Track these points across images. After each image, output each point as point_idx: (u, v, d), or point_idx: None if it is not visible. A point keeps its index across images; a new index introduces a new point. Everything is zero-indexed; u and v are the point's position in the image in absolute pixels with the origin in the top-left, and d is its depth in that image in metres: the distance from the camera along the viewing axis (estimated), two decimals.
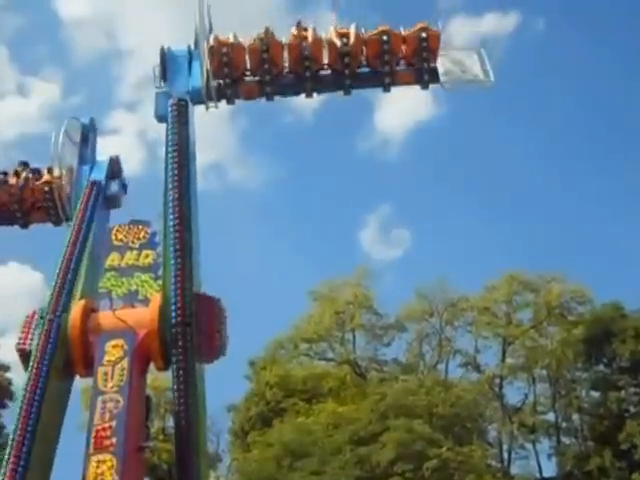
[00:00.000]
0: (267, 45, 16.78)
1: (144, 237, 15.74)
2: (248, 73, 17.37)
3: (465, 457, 42.07)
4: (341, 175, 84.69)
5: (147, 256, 15.48)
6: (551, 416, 52.08)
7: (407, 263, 77.56)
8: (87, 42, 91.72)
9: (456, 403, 46.12)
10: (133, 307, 14.88)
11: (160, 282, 15.00)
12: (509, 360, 53.30)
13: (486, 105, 78.49)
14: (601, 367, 49.39)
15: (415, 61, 17.33)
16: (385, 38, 16.83)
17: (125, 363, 13.89)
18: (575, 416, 51.38)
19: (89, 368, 14.18)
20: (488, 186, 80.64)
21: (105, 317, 14.70)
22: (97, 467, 12.62)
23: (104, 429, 13.05)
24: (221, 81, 17.13)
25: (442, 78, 17.14)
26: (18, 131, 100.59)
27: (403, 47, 17.31)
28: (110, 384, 13.61)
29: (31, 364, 14.04)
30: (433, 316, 54.28)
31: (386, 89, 17.54)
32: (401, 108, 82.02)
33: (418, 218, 77.82)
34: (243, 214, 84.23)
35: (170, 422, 54.10)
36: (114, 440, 12.86)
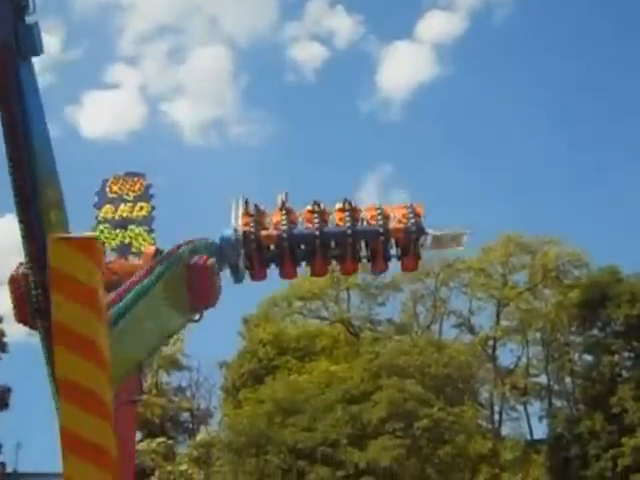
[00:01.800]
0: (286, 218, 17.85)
1: (139, 189, 15.58)
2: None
3: (456, 417, 42.18)
4: (341, 134, 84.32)
5: (141, 208, 15.36)
6: (543, 379, 52.24)
7: None
8: None
9: (449, 364, 46.09)
10: (126, 259, 14.75)
11: (154, 235, 14.82)
12: (503, 322, 53.28)
13: (490, 66, 78.11)
14: (595, 331, 49.24)
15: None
16: (379, 210, 18.13)
17: None
18: (567, 379, 51.52)
19: None
20: (489, 147, 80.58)
21: None
22: None
23: None
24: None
25: (428, 239, 18.32)
26: None
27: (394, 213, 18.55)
28: None
29: None
30: (428, 277, 54.06)
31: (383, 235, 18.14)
32: (404, 68, 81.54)
33: (418, 179, 77.63)
34: (243, 171, 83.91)
35: (163, 377, 54.33)
36: None
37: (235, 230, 17.13)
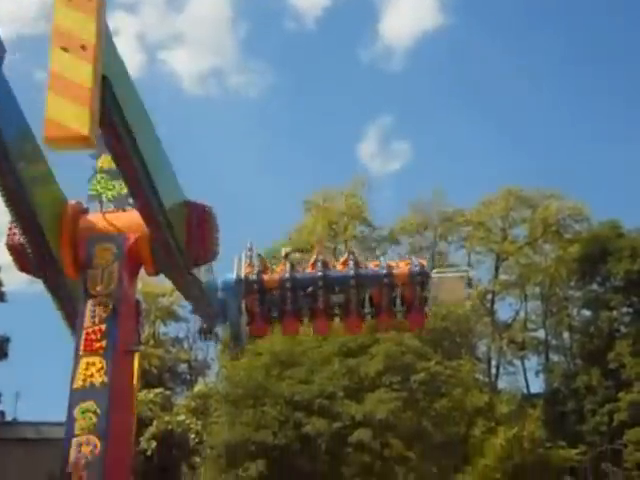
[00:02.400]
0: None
1: None
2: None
3: (453, 371, 42.13)
4: (342, 84, 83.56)
5: None
6: (541, 333, 52.36)
7: (406, 176, 77.16)
8: None
9: (446, 317, 45.92)
10: (124, 211, 14.43)
11: None
12: (502, 276, 53.22)
13: (494, 15, 77.07)
14: (594, 286, 49.24)
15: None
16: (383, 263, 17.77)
17: (115, 267, 13.81)
18: (565, 334, 51.65)
19: (79, 271, 14.00)
20: (491, 99, 79.86)
21: (95, 220, 14.44)
22: (86, 369, 12.59)
23: (94, 332, 13.07)
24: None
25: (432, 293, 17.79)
26: (16, 31, 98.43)
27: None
28: (100, 287, 13.56)
29: None
30: (427, 230, 53.86)
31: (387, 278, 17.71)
32: (406, 17, 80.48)
33: (419, 130, 77.13)
34: (242, 121, 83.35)
35: (161, 328, 54.37)
36: (104, 343, 12.78)
37: (237, 275, 17.09)
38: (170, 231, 13.35)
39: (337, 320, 17.56)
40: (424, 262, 17.72)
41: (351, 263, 17.36)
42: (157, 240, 13.57)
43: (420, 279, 17.19)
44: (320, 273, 17.04)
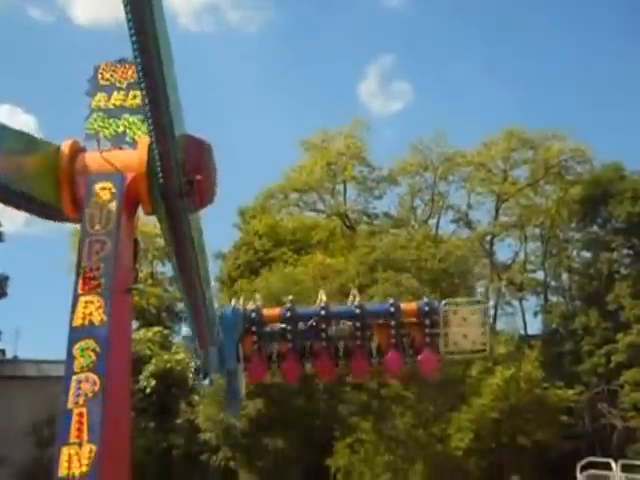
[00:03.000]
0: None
1: (131, 76, 15.09)
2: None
3: None
4: (342, 22, 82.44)
5: (135, 97, 14.89)
6: (540, 275, 52.34)
7: (407, 117, 76.57)
8: None
9: (445, 258, 45.80)
10: (121, 149, 14.30)
11: None
12: (502, 218, 53.06)
13: None
14: (595, 228, 49.05)
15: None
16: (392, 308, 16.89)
17: (113, 206, 13.80)
18: (564, 275, 51.62)
19: (77, 210, 13.95)
20: (493, 39, 78.81)
21: (93, 159, 14.45)
22: (85, 307, 12.62)
23: (92, 270, 13.00)
24: None
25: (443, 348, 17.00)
26: None
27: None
28: (98, 226, 13.56)
29: None
30: (427, 170, 53.46)
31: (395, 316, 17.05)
32: None
33: (421, 70, 76.29)
34: (239, 58, 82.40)
35: (159, 267, 54.32)
36: (102, 281, 12.76)
37: (237, 308, 16.91)
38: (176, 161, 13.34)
39: (342, 363, 17.01)
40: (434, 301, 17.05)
41: (355, 299, 17.02)
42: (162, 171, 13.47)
43: (430, 316, 16.55)
44: (322, 305, 16.78)
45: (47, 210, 14.42)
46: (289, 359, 16.72)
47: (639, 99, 70.01)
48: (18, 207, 14.61)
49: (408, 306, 16.85)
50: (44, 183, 13.98)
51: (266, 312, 16.92)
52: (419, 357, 16.74)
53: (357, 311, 16.69)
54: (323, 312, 16.64)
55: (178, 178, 13.37)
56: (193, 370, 17.34)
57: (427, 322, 16.58)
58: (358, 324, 16.70)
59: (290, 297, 18.19)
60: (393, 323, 16.61)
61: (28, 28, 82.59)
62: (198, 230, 14.82)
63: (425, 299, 16.96)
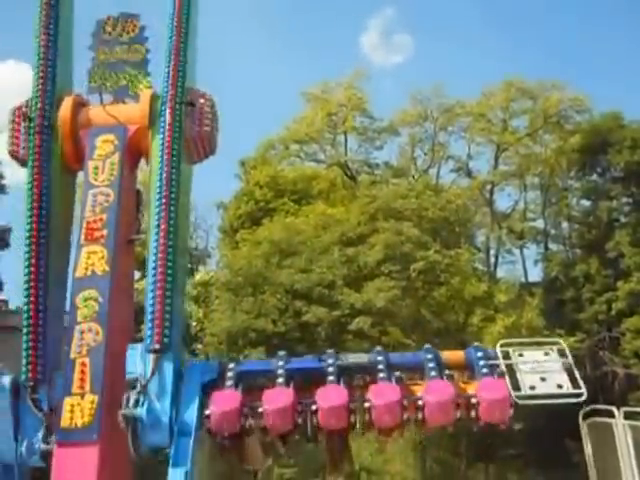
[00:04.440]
0: None
1: (133, 31, 15.47)
2: None
3: (452, 260, 42.32)
4: None
5: (137, 51, 15.21)
6: (540, 223, 52.59)
7: (408, 69, 76.34)
8: None
9: (446, 207, 45.93)
10: (123, 103, 14.67)
11: (150, 78, 14.79)
12: (501, 167, 53.18)
13: None
14: (594, 177, 49.18)
15: None
16: None
17: (116, 158, 14.27)
18: (564, 224, 51.84)
19: (80, 162, 14.37)
20: None
21: (95, 112, 14.88)
22: (88, 258, 12.95)
23: (95, 221, 13.45)
24: None
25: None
26: None
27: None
28: (101, 178, 14.01)
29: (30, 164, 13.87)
30: (427, 121, 53.50)
31: None
32: None
33: (421, 23, 75.88)
34: (241, 12, 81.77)
35: None
36: (105, 232, 13.12)
37: None
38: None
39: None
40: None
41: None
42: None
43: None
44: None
45: None
46: None
47: (637, 48, 69.50)
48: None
49: (453, 355, 12.96)
50: None
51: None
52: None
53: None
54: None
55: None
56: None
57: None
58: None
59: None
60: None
61: None
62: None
63: (474, 345, 12.99)
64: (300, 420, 11.66)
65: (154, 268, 12.54)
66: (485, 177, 52.71)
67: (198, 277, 48.09)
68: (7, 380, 12.73)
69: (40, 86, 14.16)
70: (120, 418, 11.34)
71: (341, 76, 53.93)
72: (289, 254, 41.43)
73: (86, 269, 12.81)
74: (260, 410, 11.51)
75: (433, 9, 79.76)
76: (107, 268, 12.74)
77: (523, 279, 51.32)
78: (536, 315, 41.61)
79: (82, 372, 12.24)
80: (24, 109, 14.30)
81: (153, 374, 11.82)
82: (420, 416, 11.74)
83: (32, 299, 12.84)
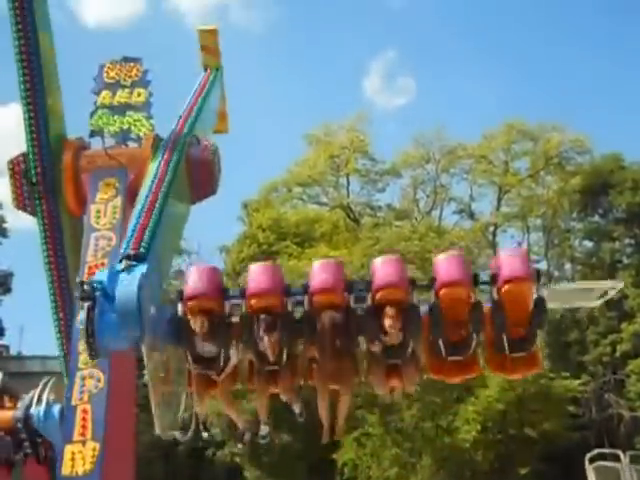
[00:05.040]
0: None
1: (136, 75, 15.62)
2: None
3: None
4: (346, 18, 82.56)
5: (139, 94, 15.48)
6: (543, 264, 52.34)
7: (410, 111, 76.85)
8: None
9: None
10: (126, 145, 14.89)
11: (152, 121, 14.79)
12: (504, 208, 53.24)
13: None
14: (596, 218, 49.36)
15: None
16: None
17: (118, 201, 14.24)
18: (567, 265, 51.81)
19: (82, 206, 14.33)
20: (493, 33, 78.97)
21: (97, 155, 14.80)
22: None
23: (97, 266, 13.46)
24: None
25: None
26: None
27: None
28: (103, 221, 13.95)
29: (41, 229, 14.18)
30: (429, 163, 53.77)
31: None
32: None
33: (424, 66, 76.51)
34: (245, 56, 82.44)
35: None
36: None
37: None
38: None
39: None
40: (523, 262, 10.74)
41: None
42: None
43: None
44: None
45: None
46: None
47: (636, 90, 69.97)
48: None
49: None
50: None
51: None
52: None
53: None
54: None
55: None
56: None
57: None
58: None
59: None
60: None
61: None
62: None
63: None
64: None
65: None
66: (488, 219, 52.79)
67: None
68: (57, 408, 12.71)
69: (35, 142, 14.21)
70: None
71: (343, 119, 54.33)
72: None
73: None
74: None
75: (434, 51, 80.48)
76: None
77: None
78: (540, 358, 41.33)
79: (83, 419, 12.15)
80: (22, 165, 14.24)
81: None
82: None
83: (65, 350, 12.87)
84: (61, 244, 13.88)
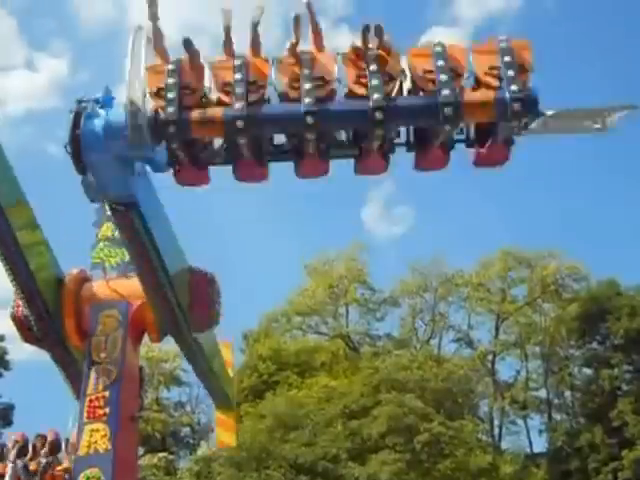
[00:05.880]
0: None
1: None
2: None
3: (456, 431, 42.20)
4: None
5: None
6: (543, 392, 52.24)
7: (409, 240, 77.61)
8: (96, 15, 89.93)
9: (448, 378, 46.19)
10: (127, 278, 14.81)
11: None
12: (502, 336, 53.36)
13: None
14: (594, 345, 49.41)
15: (491, 79, 10.13)
16: (438, 49, 10.13)
17: (119, 334, 13.94)
18: (567, 393, 51.58)
19: (83, 338, 14.15)
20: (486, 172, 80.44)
21: (99, 287, 14.67)
22: (90, 436, 12.82)
23: (97, 399, 13.26)
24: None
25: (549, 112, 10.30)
26: (26, 106, 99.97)
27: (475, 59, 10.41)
28: (104, 354, 13.70)
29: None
30: (427, 291, 54.28)
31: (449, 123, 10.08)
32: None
33: (421, 196, 77.65)
34: (245, 188, 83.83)
35: (164, 393, 54.30)
36: (107, 410, 13.03)
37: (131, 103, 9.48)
38: (175, 298, 13.62)
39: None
40: (527, 54, 10.11)
41: (371, 72, 9.83)
42: (161, 307, 13.80)
43: (520, 117, 9.84)
44: (310, 109, 9.68)
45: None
46: (244, 160, 10.45)
47: (631, 216, 71.02)
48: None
49: (480, 98, 9.95)
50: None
51: (195, 117, 9.68)
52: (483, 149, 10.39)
53: (377, 117, 9.82)
54: (310, 121, 9.80)
55: (180, 312, 13.79)
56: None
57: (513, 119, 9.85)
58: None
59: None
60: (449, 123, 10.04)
61: (45, 164, 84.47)
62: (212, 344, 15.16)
63: (515, 87, 9.76)
64: None
65: None
66: (486, 347, 52.90)
67: (200, 453, 47.66)
68: None
69: (25, 294, 13.67)
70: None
71: (342, 247, 55.18)
72: (293, 427, 41.37)
73: (88, 447, 12.75)
74: None
75: (430, 182, 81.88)
76: (109, 446, 12.69)
77: (528, 450, 50.69)
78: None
79: None
80: (22, 311, 14.27)
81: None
82: None
83: None
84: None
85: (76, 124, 9.53)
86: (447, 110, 9.71)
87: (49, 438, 14.79)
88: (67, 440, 14.68)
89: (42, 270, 13.79)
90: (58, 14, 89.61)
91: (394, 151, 10.95)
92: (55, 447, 14.62)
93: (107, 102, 9.89)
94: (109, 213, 15.31)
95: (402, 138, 11.02)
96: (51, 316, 14.03)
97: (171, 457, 45.52)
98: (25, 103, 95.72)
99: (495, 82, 9.99)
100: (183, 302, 13.86)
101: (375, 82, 9.86)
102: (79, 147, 9.50)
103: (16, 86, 78.43)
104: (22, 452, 14.66)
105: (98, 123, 9.54)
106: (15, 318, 14.55)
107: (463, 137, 10.89)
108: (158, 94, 9.80)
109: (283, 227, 79.61)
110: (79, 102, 9.70)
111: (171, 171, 10.73)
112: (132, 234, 11.96)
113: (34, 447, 14.88)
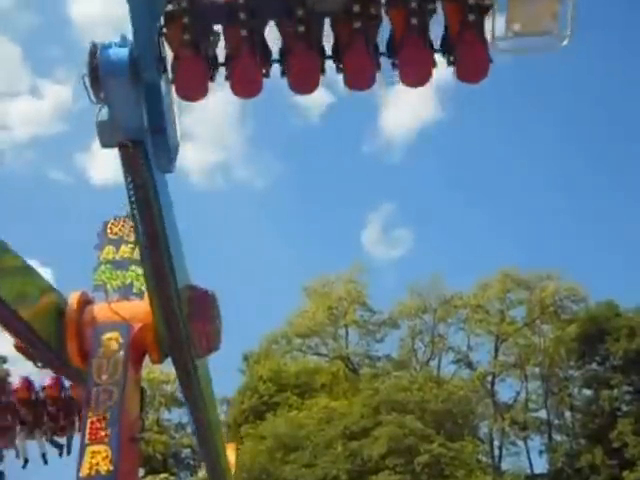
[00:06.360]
0: None
1: None
2: None
3: (456, 452, 42.25)
4: (345, 176, 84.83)
5: None
6: (543, 413, 52.32)
7: (408, 263, 77.82)
8: (99, 42, 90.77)
9: (448, 399, 46.28)
10: (128, 300, 14.80)
11: None
12: (502, 357, 53.46)
13: (488, 107, 78.86)
14: (594, 365, 49.56)
15: None
16: None
17: (120, 356, 13.89)
18: (567, 414, 51.66)
19: (84, 360, 14.25)
20: (487, 186, 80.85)
21: (100, 309, 14.62)
22: (92, 457, 12.73)
23: (99, 420, 13.10)
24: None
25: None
26: (31, 132, 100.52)
27: None
28: (105, 376, 13.58)
29: None
30: (426, 313, 54.43)
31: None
32: (406, 110, 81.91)
33: (420, 218, 77.98)
34: (247, 212, 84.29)
35: (165, 414, 54.41)
36: (109, 431, 12.94)
37: None
38: (179, 308, 13.77)
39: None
40: None
41: None
42: (165, 307, 13.92)
43: None
44: None
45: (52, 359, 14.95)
46: (242, 57, 9.56)
47: (629, 237, 71.35)
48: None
49: None
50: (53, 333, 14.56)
51: None
52: (460, 54, 9.35)
53: None
54: None
55: (184, 328, 13.95)
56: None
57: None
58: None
59: None
60: None
61: (47, 188, 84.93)
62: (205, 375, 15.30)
63: None
64: None
65: None
66: (486, 368, 53.02)
67: (201, 474, 47.64)
68: None
69: (26, 343, 14.07)
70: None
71: (342, 270, 55.45)
72: (293, 449, 41.43)
73: (90, 469, 12.60)
74: None
75: (430, 204, 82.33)
76: (111, 468, 12.57)
77: (528, 471, 50.65)
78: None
79: None
80: (24, 348, 14.55)
81: None
82: None
83: None
84: None
85: (93, 56, 9.56)
86: None
87: None
88: None
89: (38, 315, 13.58)
90: (62, 41, 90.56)
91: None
92: None
93: (123, 45, 10.05)
94: (111, 236, 15.61)
95: None
96: (53, 349, 14.03)
97: (172, 478, 45.58)
98: (30, 129, 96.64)
99: None
100: (184, 317, 14.02)
101: None
102: (97, 75, 9.51)
103: (21, 112, 78.96)
104: None
105: (114, 51, 9.52)
106: (17, 348, 14.86)
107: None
108: None
109: (284, 250, 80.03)
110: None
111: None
112: (143, 193, 11.26)
113: None
